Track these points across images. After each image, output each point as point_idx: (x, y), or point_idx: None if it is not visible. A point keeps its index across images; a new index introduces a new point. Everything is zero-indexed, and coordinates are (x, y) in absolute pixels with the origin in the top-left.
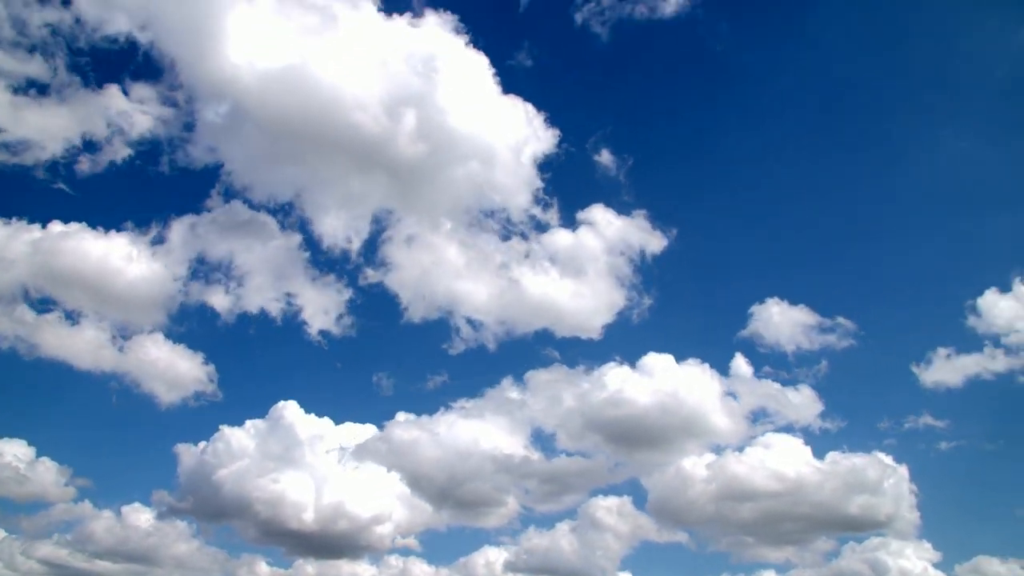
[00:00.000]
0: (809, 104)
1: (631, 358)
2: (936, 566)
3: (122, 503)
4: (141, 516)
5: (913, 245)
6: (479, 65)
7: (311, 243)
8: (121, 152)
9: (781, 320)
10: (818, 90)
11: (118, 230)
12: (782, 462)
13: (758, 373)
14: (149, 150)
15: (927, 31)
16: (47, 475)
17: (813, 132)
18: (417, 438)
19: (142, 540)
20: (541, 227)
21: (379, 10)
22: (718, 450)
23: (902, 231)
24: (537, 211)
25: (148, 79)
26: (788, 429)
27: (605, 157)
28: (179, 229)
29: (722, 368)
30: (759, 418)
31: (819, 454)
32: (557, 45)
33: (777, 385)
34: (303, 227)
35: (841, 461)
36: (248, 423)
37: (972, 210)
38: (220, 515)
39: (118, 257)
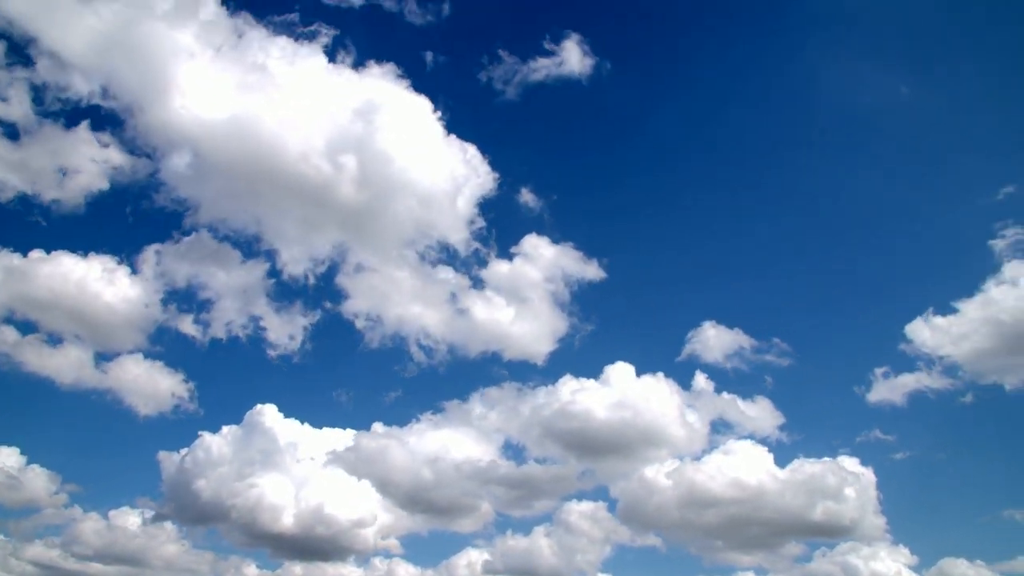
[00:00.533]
0: (724, 138)
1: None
2: (911, 569)
3: (111, 507)
4: (130, 519)
5: (844, 270)
6: (421, 109)
7: (275, 272)
8: (94, 185)
9: (718, 342)
10: (735, 127)
11: (96, 253)
12: (743, 469)
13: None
14: (119, 190)
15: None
16: (38, 481)
17: (729, 165)
18: (386, 447)
19: (131, 542)
20: (482, 260)
21: (325, 60)
22: (679, 458)
23: (830, 257)
24: (478, 245)
25: (112, 129)
26: (748, 438)
27: (532, 195)
28: (152, 257)
29: (682, 383)
30: (719, 429)
31: (780, 463)
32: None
33: (734, 397)
34: (268, 257)
35: (802, 469)
36: (225, 429)
37: (887, 242)
38: (204, 519)
39: (96, 283)
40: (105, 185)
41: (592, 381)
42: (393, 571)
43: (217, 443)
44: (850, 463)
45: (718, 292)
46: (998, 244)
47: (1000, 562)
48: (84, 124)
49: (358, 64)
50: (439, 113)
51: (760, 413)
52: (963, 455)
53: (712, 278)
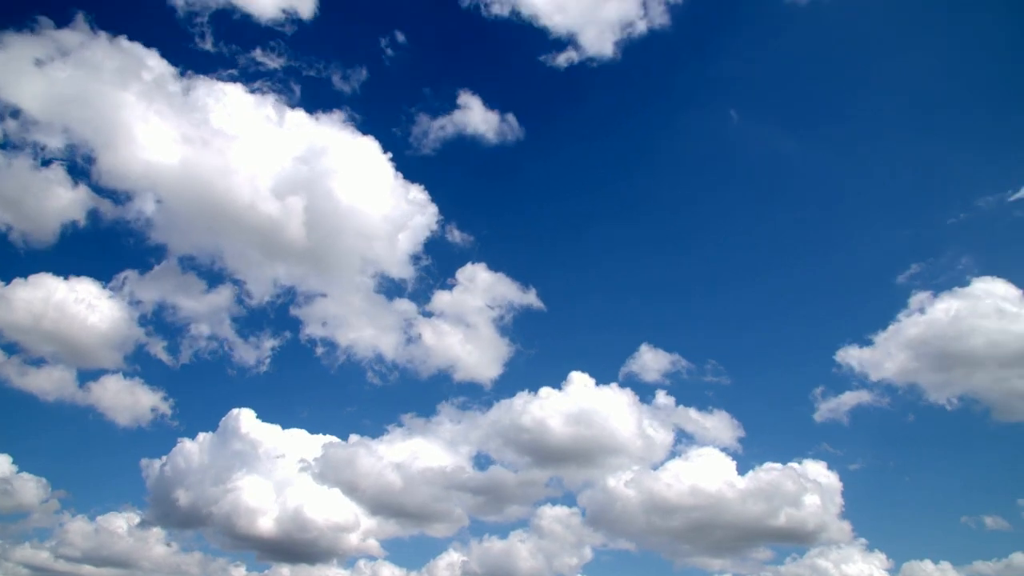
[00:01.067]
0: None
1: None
2: (884, 571)
3: (99, 512)
4: (118, 523)
5: (773, 298)
6: (365, 151)
7: (240, 299)
8: (68, 216)
9: (655, 364)
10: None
11: (76, 277)
12: (703, 477)
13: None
14: (92, 223)
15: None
16: (28, 487)
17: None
18: (354, 456)
19: (120, 545)
20: (428, 291)
21: (271, 107)
22: (640, 467)
23: (764, 282)
24: (423, 275)
25: (78, 174)
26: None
27: (469, 230)
28: (128, 283)
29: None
30: (680, 439)
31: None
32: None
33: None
34: (235, 284)
35: (760, 476)
36: (202, 435)
37: (811, 275)
38: (188, 524)
39: (76, 306)
40: (80, 217)
41: (550, 389)
42: (378, 573)
43: (195, 449)
44: (813, 468)
45: (653, 316)
46: (903, 278)
47: (965, 564)
48: (55, 164)
49: (303, 108)
50: (384, 154)
51: (715, 424)
52: (911, 466)
53: (647, 304)
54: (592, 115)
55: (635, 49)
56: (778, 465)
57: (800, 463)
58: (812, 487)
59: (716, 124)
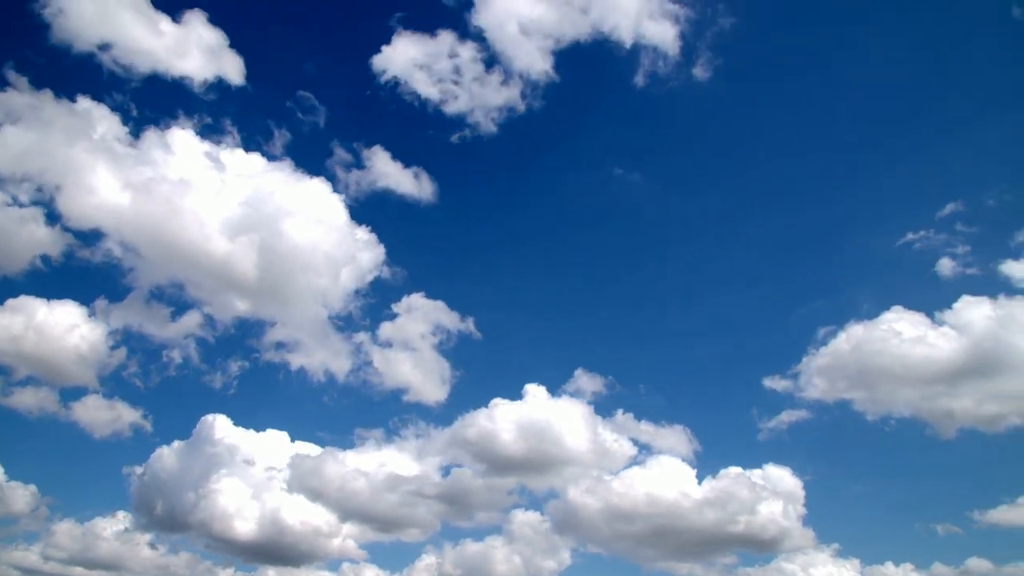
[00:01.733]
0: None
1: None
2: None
3: (88, 517)
4: (106, 527)
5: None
6: (312, 191)
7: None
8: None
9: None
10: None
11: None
12: (660, 485)
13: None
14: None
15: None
16: (17, 493)
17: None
18: (322, 465)
19: (109, 548)
20: (376, 320)
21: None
22: (598, 475)
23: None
24: (371, 307)
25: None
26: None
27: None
28: (103, 308)
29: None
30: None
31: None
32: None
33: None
34: (199, 311)
35: (717, 484)
36: (177, 443)
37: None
38: (172, 528)
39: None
40: (54, 252)
41: (506, 401)
42: (362, 575)
43: (172, 456)
44: (775, 473)
45: (587, 342)
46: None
47: (925, 568)
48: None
49: (251, 150)
50: (334, 195)
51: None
52: (857, 478)
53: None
54: (491, 174)
55: (516, 126)
56: (738, 469)
57: (762, 468)
58: (769, 495)
59: (602, 176)
